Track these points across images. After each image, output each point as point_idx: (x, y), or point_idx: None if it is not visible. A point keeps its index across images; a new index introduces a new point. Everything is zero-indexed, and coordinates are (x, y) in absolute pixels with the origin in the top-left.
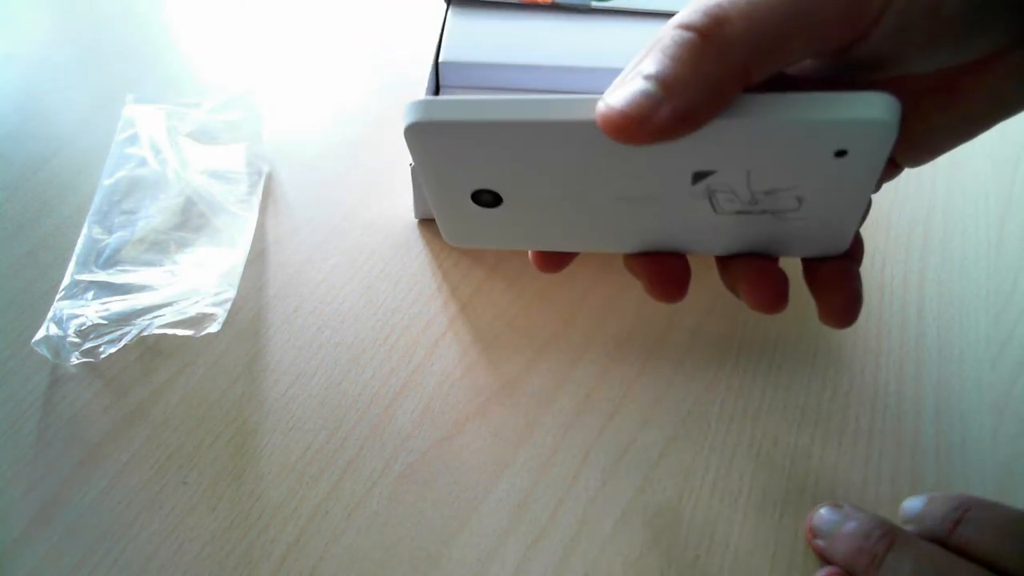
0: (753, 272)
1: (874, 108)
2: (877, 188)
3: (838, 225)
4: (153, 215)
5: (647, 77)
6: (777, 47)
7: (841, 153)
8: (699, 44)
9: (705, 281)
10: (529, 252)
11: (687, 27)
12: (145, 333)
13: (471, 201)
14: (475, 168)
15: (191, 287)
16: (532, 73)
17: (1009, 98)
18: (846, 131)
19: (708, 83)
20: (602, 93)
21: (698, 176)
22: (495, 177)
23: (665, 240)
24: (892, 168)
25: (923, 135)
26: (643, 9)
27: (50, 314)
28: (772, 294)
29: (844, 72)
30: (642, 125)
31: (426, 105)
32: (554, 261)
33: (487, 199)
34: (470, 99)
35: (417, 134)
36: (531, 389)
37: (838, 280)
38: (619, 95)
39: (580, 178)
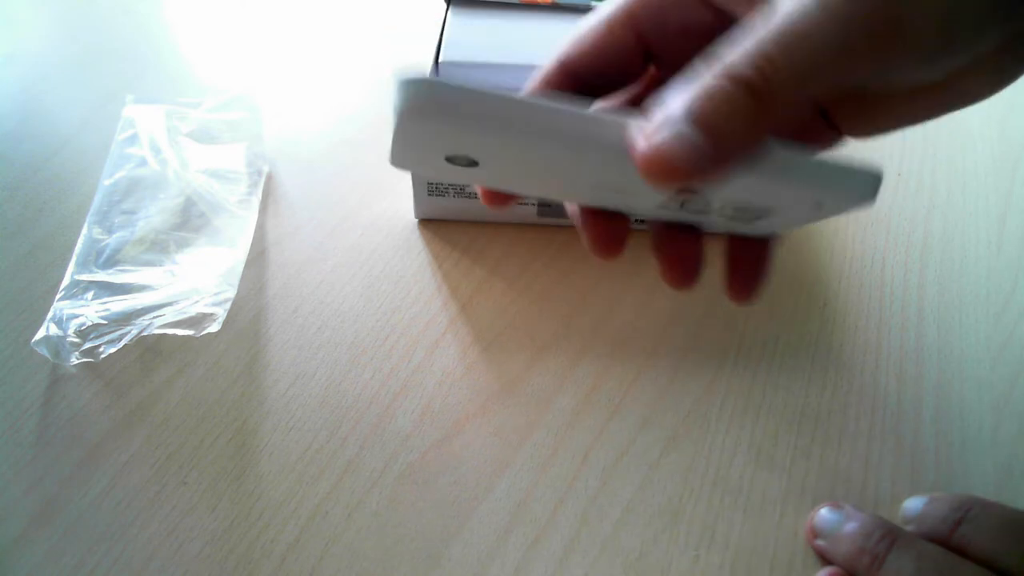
0: (676, 252)
1: (866, 186)
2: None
3: (783, 227)
4: (153, 215)
5: (693, 122)
6: (815, 98)
7: (818, 205)
8: (748, 103)
9: (705, 281)
10: (478, 187)
11: (736, 79)
12: (145, 333)
13: (444, 162)
14: (461, 148)
15: (191, 287)
16: (532, 73)
17: (971, 88)
18: (835, 197)
19: (751, 139)
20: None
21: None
22: (478, 156)
23: (612, 203)
24: (834, 136)
25: (872, 104)
26: None
27: (50, 314)
28: (689, 275)
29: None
30: (679, 171)
31: (430, 88)
32: (502, 196)
33: (461, 163)
34: (475, 90)
35: (413, 116)
36: (531, 389)
37: (759, 258)
38: (663, 137)
39: (565, 169)
